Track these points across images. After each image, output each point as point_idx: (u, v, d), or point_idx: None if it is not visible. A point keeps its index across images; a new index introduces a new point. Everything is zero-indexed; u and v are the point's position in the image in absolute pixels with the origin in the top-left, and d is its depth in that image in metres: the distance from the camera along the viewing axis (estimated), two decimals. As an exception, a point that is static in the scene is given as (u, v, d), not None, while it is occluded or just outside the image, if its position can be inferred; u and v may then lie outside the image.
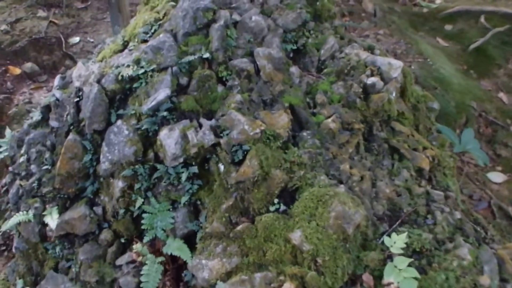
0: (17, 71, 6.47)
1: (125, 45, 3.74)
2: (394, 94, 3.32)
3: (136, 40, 3.62)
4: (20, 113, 5.96)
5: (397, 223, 2.93)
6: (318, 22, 3.68)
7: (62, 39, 6.75)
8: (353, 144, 3.11)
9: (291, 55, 3.57)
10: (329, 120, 3.07)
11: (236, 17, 3.43)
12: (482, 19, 6.47)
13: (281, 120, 3.03)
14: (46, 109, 3.75)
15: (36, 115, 3.80)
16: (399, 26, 6.28)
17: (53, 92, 3.67)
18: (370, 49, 3.58)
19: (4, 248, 5.12)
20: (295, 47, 3.49)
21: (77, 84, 3.54)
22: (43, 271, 3.65)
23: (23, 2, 7.14)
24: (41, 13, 7.11)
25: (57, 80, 3.82)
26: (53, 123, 3.56)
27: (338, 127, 3.08)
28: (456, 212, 3.17)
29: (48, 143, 3.56)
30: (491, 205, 4.24)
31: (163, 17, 3.63)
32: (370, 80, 3.14)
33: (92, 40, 6.82)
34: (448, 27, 6.59)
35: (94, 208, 3.34)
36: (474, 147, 4.40)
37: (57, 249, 3.44)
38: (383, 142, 3.23)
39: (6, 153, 3.98)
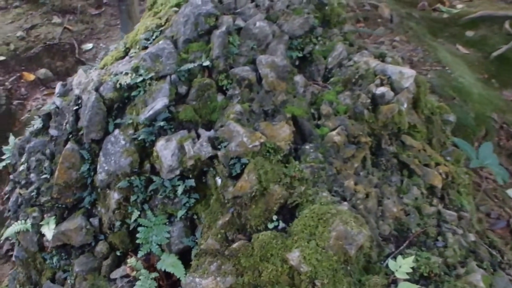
0: (31, 77, 6.51)
1: (126, 52, 3.66)
2: (405, 105, 3.12)
3: (137, 46, 3.54)
4: (33, 119, 5.98)
5: (404, 244, 2.74)
6: (327, 28, 3.52)
7: (76, 45, 6.79)
8: (359, 159, 2.93)
9: (297, 62, 3.41)
10: (334, 132, 2.90)
11: (240, 23, 3.30)
12: (506, 25, 6.17)
13: (283, 132, 2.87)
14: (47, 117, 3.69)
15: (37, 123, 3.74)
16: (416, 32, 6.01)
17: (53, 99, 3.61)
18: (382, 57, 3.39)
19: (11, 254, 5.12)
20: (301, 55, 3.34)
21: (76, 91, 3.46)
22: (41, 281, 3.59)
23: (39, 9, 7.21)
24: (56, 19, 7.17)
25: (58, 88, 3.76)
26: (52, 131, 3.50)
27: (343, 140, 2.91)
28: (470, 234, 2.96)
29: (48, 151, 3.50)
30: (510, 224, 3.98)
31: (165, 23, 3.52)
32: (379, 90, 2.96)
33: (105, 46, 6.81)
34: (470, 33, 6.30)
35: (91, 219, 3.26)
36: (493, 162, 4.13)
37: (54, 259, 3.37)
38: (392, 157, 3.04)
39: (8, 161, 3.93)
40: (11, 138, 4.32)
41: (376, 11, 6.40)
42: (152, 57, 3.10)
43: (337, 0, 3.58)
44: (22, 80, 6.47)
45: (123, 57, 3.55)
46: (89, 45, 6.89)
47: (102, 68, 3.60)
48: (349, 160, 2.92)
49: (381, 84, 2.99)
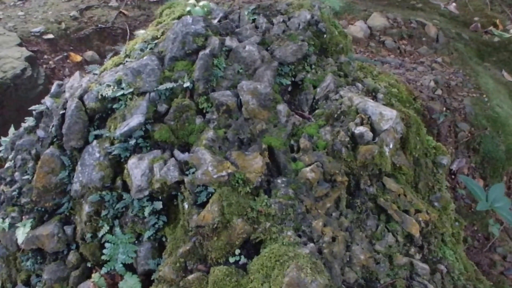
0: (78, 58, 6.43)
1: (126, 59, 3.62)
2: (391, 146, 2.97)
3: (134, 56, 3.50)
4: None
5: (368, 295, 2.61)
6: (323, 56, 3.38)
7: (128, 30, 6.70)
8: (332, 199, 2.81)
9: (289, 89, 3.31)
10: (308, 169, 2.78)
11: (232, 44, 3.22)
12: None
13: (255, 164, 2.78)
14: (40, 116, 3.72)
15: (30, 120, 3.77)
16: (462, 54, 5.73)
17: (45, 99, 3.63)
18: (374, 92, 3.24)
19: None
20: (290, 82, 3.22)
21: (67, 95, 3.47)
22: (17, 281, 3.63)
23: (98, -10, 7.19)
24: (113, 2, 7.14)
25: (54, 87, 3.78)
26: (39, 132, 3.52)
27: (317, 178, 2.79)
28: (443, 290, 2.80)
29: (34, 152, 3.52)
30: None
31: (161, 36, 3.48)
32: (358, 130, 2.82)
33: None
34: (519, 60, 5.98)
35: (66, 227, 3.24)
36: (503, 206, 3.84)
37: (29, 262, 3.37)
38: (370, 199, 2.90)
39: (1, 154, 4.00)
40: (11, 130, 4.39)
41: (423, 29, 6.17)
42: (134, 72, 3.06)
43: (339, 29, 3.43)
44: (68, 61, 6.40)
45: (122, 64, 3.52)
46: (141, 32, 6.91)
47: (102, 72, 3.57)
48: (321, 199, 2.80)
49: (361, 123, 2.85)
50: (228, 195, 2.66)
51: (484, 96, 5.04)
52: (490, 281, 3.35)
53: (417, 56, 5.57)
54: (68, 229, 3.23)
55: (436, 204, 3.17)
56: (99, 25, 6.72)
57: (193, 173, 2.73)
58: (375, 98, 3.19)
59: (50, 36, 6.38)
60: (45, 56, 6.16)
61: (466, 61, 5.66)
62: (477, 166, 4.57)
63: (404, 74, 4.83)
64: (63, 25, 6.57)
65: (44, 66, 6.01)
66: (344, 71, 3.33)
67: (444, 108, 4.45)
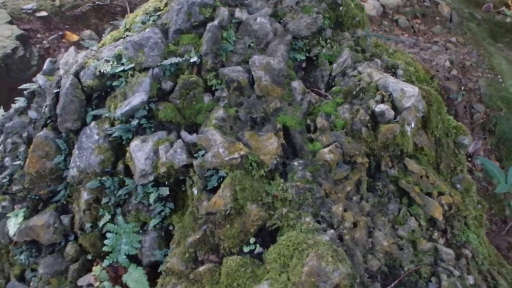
0: (74, 37, 6.02)
1: (126, 33, 3.35)
2: (413, 125, 2.77)
3: (134, 30, 3.23)
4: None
5: (393, 284, 2.44)
6: (339, 30, 3.15)
7: (128, 8, 6.32)
8: (352, 182, 2.62)
9: (304, 65, 3.09)
10: (326, 150, 2.58)
11: (241, 16, 2.97)
12: None
13: (269, 145, 2.57)
14: (32, 96, 3.45)
15: (21, 101, 3.50)
16: (475, 35, 5.68)
17: (37, 77, 3.36)
18: (394, 68, 3.02)
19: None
20: (304, 58, 3.00)
21: (61, 72, 3.20)
22: (11, 277, 3.40)
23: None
24: None
25: (46, 63, 3.49)
26: (31, 113, 3.26)
27: (336, 159, 2.59)
28: (469, 276, 2.64)
29: (25, 135, 3.27)
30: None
31: (164, 7, 3.21)
32: (378, 107, 2.61)
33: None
34: (532, 41, 5.89)
35: (62, 216, 3.00)
36: (523, 188, 3.70)
37: (23, 255, 3.10)
38: (391, 181, 2.71)
39: (-11, 138, 3.72)
40: (1, 111, 4.11)
41: (436, 9, 6.11)
42: (135, 46, 2.81)
43: (355, 1, 3.20)
44: (63, 40, 6.00)
45: (121, 39, 3.25)
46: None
47: (100, 48, 3.30)
48: (341, 182, 2.61)
49: (382, 101, 2.64)
50: (241, 179, 2.45)
51: (499, 76, 4.97)
52: (510, 265, 3.21)
53: (431, 36, 5.46)
54: (65, 219, 2.99)
55: (458, 186, 3.00)
56: (97, 1, 6.34)
57: (203, 155, 2.52)
58: (394, 75, 2.98)
59: (44, 13, 6.00)
60: (38, 35, 5.81)
61: (480, 42, 5.60)
62: (493, 148, 4.47)
63: (419, 54, 4.70)
64: (57, 2, 6.18)
65: (38, 45, 5.67)
66: (361, 46, 3.11)
67: (462, 88, 4.33)
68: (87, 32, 6.13)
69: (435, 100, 2.94)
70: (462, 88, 4.37)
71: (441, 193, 2.79)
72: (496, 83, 4.92)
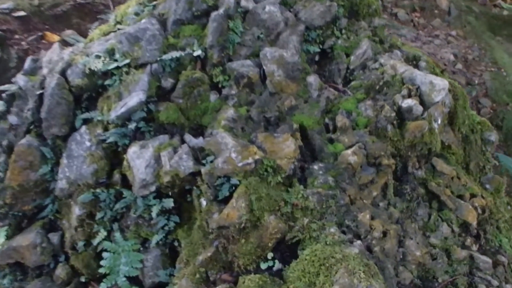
0: (54, 38, 5.72)
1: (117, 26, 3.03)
2: (439, 122, 2.53)
3: (127, 22, 2.91)
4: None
5: (429, 299, 2.19)
6: (354, 20, 2.91)
7: (111, 6, 6.02)
8: (378, 186, 2.37)
9: (317, 58, 2.84)
10: (349, 151, 2.32)
11: (248, 4, 2.68)
12: None
13: (286, 147, 2.30)
14: (12, 98, 3.10)
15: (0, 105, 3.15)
16: (475, 28, 5.69)
17: (17, 77, 3.01)
18: (415, 60, 2.77)
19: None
20: (318, 50, 2.74)
21: (45, 71, 2.88)
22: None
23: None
24: None
25: (27, 62, 3.14)
26: (12, 118, 2.93)
27: (360, 162, 2.33)
28: (507, 285, 2.41)
29: (5, 143, 2.93)
30: None
31: (160, -4, 2.90)
32: (405, 103, 2.36)
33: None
34: (530, 34, 5.83)
35: (51, 234, 2.70)
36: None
37: (6, 280, 2.79)
38: (420, 184, 2.46)
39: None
40: (-24, 118, 3.74)
41: (434, 2, 6.12)
42: (130, 39, 2.50)
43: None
44: (43, 41, 5.73)
45: (113, 32, 2.93)
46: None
47: (88, 43, 2.98)
48: (367, 187, 2.36)
49: (409, 96, 2.39)
50: (257, 187, 2.18)
51: (502, 70, 4.94)
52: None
53: (431, 29, 5.43)
54: (54, 237, 2.69)
55: (487, 186, 2.78)
56: (78, 0, 6.01)
57: (212, 161, 2.23)
58: (416, 67, 2.73)
59: (22, 13, 5.72)
60: (16, 36, 5.50)
61: (479, 35, 5.60)
62: (501, 144, 4.32)
63: (422, 48, 4.53)
64: (36, 1, 5.88)
65: (16, 47, 5.36)
66: (379, 36, 2.87)
67: (469, 82, 4.20)
68: (68, 32, 5.83)
69: (461, 94, 2.71)
70: (470, 82, 4.25)
71: (473, 195, 2.56)
72: (501, 77, 4.88)
